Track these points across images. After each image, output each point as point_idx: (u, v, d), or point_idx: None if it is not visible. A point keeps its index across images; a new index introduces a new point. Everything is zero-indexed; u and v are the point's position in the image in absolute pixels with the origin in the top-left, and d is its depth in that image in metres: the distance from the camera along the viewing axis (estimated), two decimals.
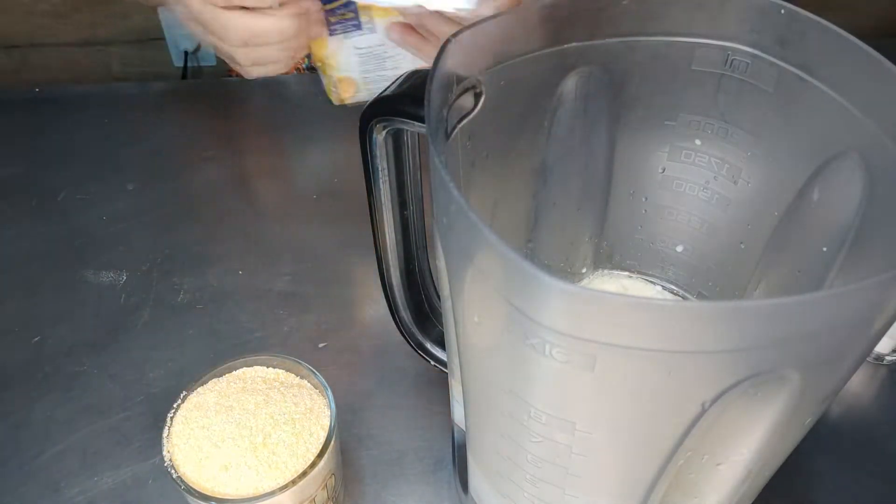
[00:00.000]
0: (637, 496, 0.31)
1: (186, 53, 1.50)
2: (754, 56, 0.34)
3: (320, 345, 0.54)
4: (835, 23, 0.31)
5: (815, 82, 0.33)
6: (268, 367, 0.43)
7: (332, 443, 0.39)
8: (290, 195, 0.67)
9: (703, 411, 0.25)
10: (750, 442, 0.29)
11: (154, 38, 1.51)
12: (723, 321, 0.22)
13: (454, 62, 0.31)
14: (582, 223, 0.44)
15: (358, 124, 0.37)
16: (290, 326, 0.55)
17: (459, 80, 0.32)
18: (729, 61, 0.35)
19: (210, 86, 0.82)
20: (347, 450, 0.48)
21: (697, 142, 0.39)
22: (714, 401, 0.25)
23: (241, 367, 0.43)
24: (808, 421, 0.30)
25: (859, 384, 0.52)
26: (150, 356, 0.53)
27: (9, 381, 0.52)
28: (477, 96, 0.34)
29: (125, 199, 0.66)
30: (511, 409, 0.30)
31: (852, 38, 0.30)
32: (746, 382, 0.24)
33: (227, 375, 0.43)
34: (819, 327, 0.23)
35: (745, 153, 0.38)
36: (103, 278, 0.58)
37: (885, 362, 0.53)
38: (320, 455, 0.39)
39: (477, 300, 0.29)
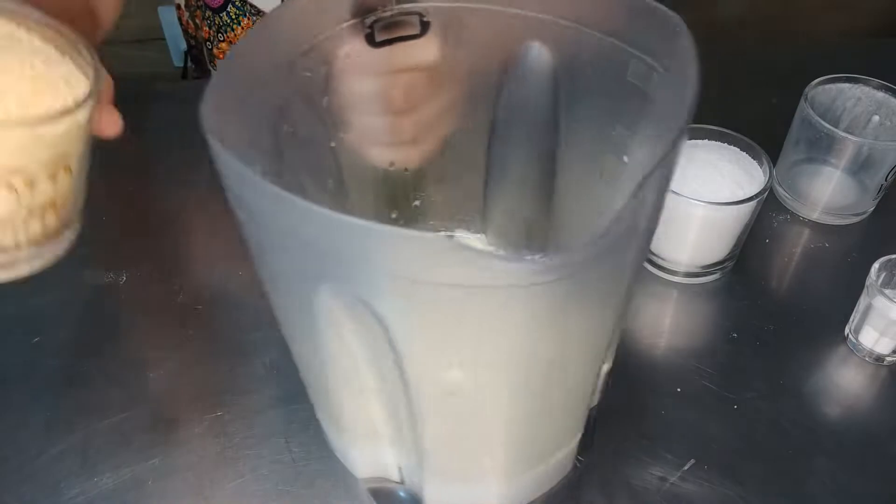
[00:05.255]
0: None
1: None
2: None
3: None
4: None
5: None
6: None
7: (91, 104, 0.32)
8: None
9: None
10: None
11: (154, 38, 1.51)
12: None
13: None
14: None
15: None
16: None
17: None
18: None
19: None
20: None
21: None
22: None
23: None
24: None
25: (859, 385, 0.52)
26: (149, 356, 0.53)
27: (9, 381, 0.51)
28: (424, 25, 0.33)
29: (125, 198, 0.66)
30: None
31: None
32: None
33: None
34: None
35: None
36: (103, 278, 0.58)
37: (885, 363, 0.53)
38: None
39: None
